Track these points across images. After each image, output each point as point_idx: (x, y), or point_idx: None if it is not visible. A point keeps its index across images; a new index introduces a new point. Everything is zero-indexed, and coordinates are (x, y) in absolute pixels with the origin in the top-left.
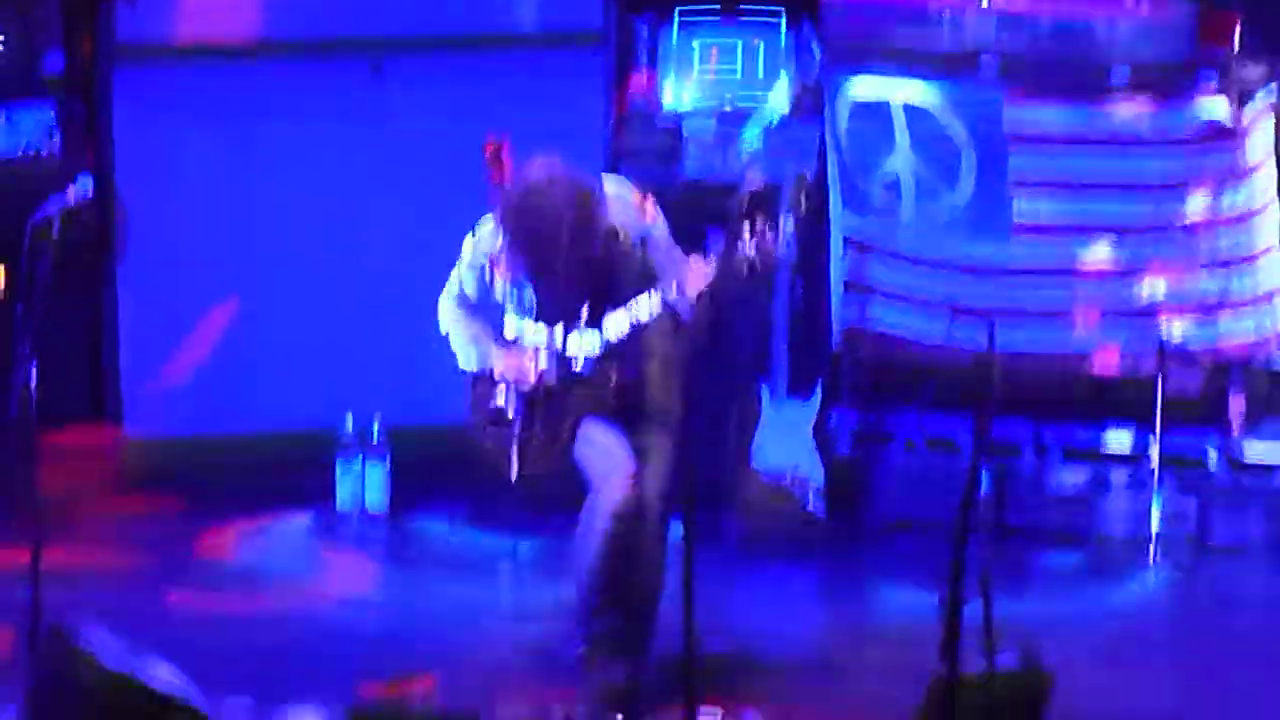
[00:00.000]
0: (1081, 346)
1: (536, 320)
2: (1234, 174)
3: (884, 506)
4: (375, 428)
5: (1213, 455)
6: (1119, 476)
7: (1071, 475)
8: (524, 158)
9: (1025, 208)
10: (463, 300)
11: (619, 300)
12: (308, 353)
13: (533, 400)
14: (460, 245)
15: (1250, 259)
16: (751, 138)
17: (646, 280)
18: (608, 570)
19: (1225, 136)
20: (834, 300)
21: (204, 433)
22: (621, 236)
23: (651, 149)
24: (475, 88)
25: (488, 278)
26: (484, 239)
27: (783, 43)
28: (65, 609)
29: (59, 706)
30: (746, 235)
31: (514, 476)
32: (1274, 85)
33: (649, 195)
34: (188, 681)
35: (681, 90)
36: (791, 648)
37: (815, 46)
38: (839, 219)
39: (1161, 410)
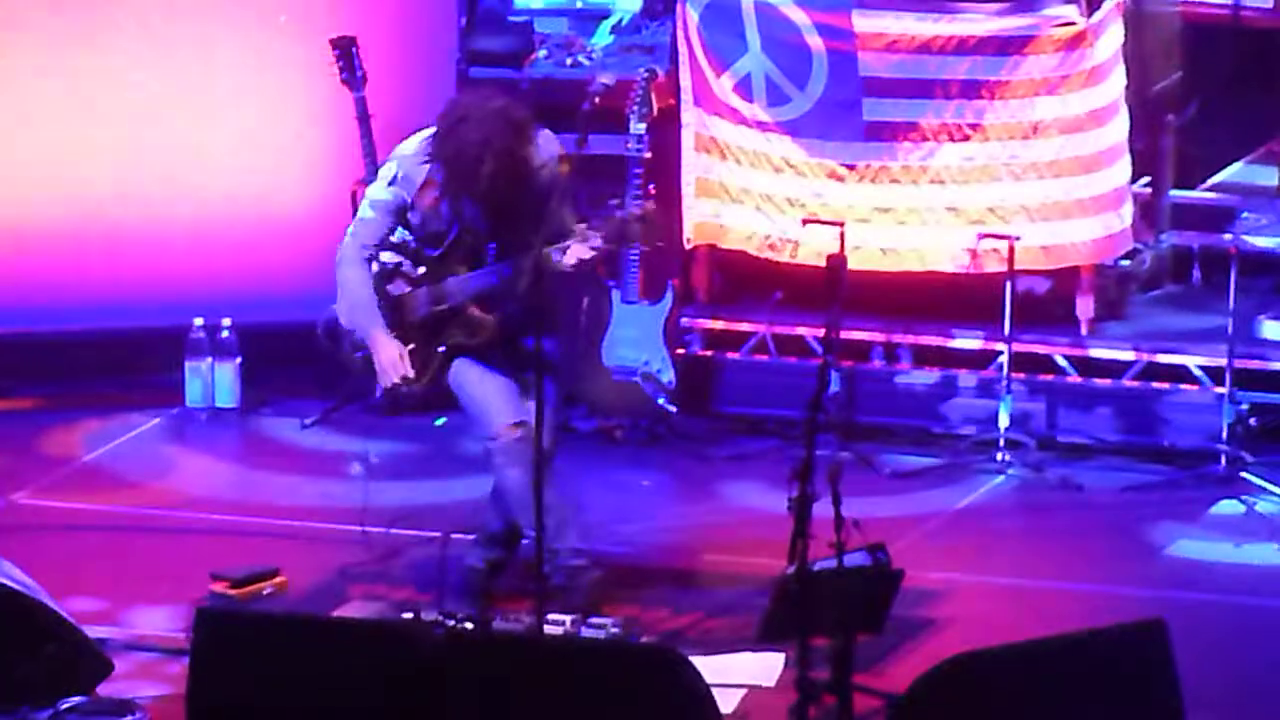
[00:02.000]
0: (931, 247)
1: (440, 258)
2: (1083, 76)
3: (734, 405)
4: (225, 327)
5: (1060, 356)
6: (968, 378)
7: (921, 375)
8: (374, 57)
9: (876, 107)
10: (361, 253)
11: (523, 237)
12: (155, 252)
13: (408, 324)
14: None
15: (1099, 160)
16: (602, 36)
17: (546, 228)
18: (506, 505)
19: (1074, 39)
20: (685, 200)
21: (53, 330)
22: (544, 176)
23: (502, 48)
24: None
25: (397, 217)
26: (403, 173)
27: None
28: None
29: None
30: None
31: (379, 391)
32: None
33: (568, 154)
34: (36, 581)
35: None
36: (641, 549)
37: None
38: (690, 119)
39: (1010, 311)
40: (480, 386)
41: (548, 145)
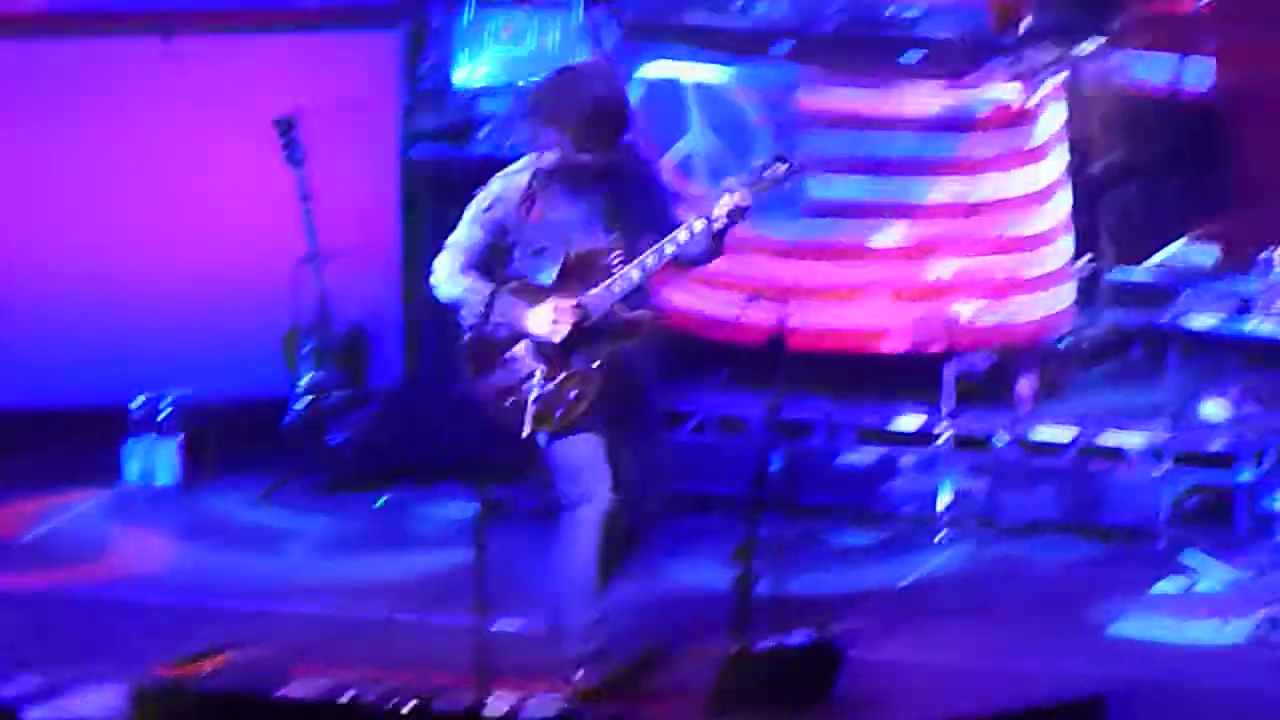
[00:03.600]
0: (874, 326)
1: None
2: (1024, 155)
3: (679, 484)
4: (166, 404)
5: (1001, 435)
6: (909, 457)
7: (863, 454)
8: (317, 136)
9: (819, 186)
10: (456, 260)
11: (641, 228)
12: (98, 329)
13: (550, 356)
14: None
15: (1040, 239)
16: None
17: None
18: (591, 582)
19: (1015, 119)
20: None
21: None
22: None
23: (445, 127)
24: (268, 67)
25: (492, 232)
26: (500, 187)
27: (577, 21)
28: None
29: None
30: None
31: (526, 431)
32: (1063, 68)
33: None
34: None
35: (476, 68)
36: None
37: (609, 26)
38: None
39: (951, 390)
40: (588, 441)
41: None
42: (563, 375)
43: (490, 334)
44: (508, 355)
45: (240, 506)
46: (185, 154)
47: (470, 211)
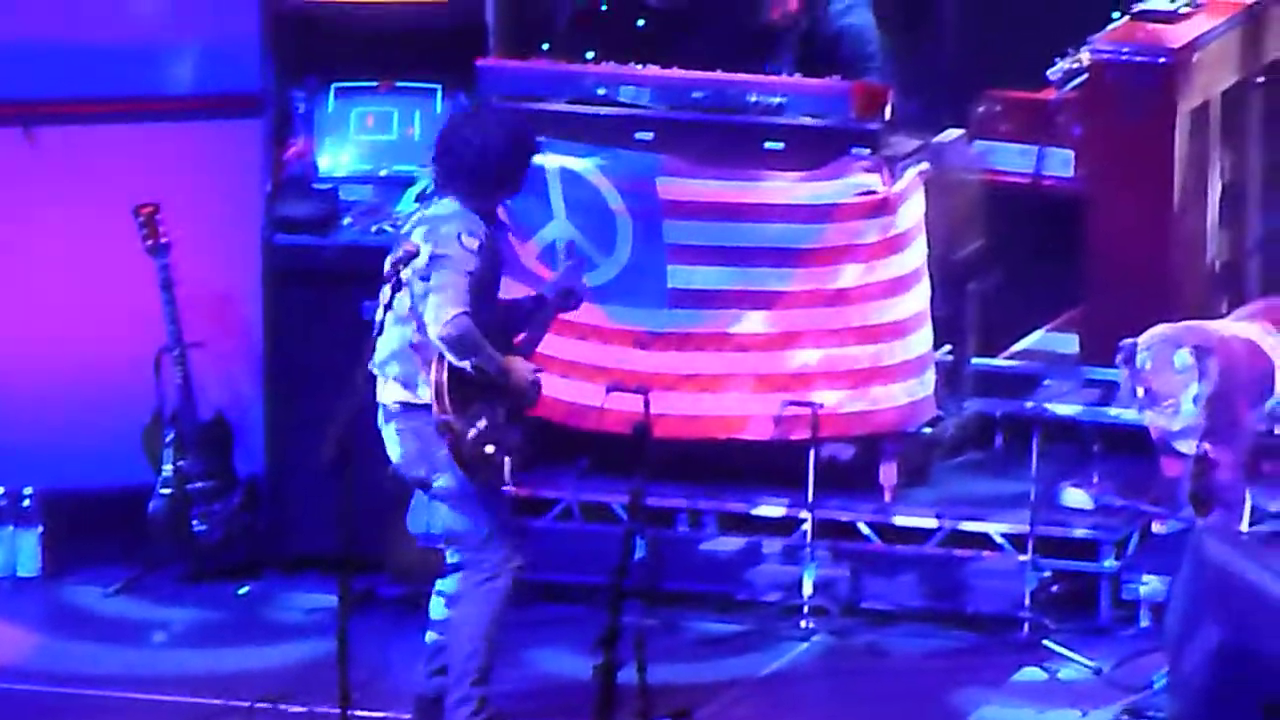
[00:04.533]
0: (737, 415)
1: None
2: (886, 244)
3: (539, 571)
4: (26, 494)
5: (864, 523)
6: (772, 544)
7: (725, 542)
8: (179, 225)
9: (680, 274)
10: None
11: None
12: None
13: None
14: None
15: (902, 327)
16: (407, 204)
17: None
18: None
19: (877, 207)
20: None
21: None
22: None
23: (308, 215)
24: (130, 155)
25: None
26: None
27: (439, 109)
28: None
29: None
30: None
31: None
32: (924, 158)
33: None
34: None
35: (338, 156)
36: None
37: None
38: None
39: (814, 478)
40: (504, 506)
41: None
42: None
43: (466, 377)
44: (478, 400)
45: (103, 597)
46: (46, 243)
47: (462, 265)
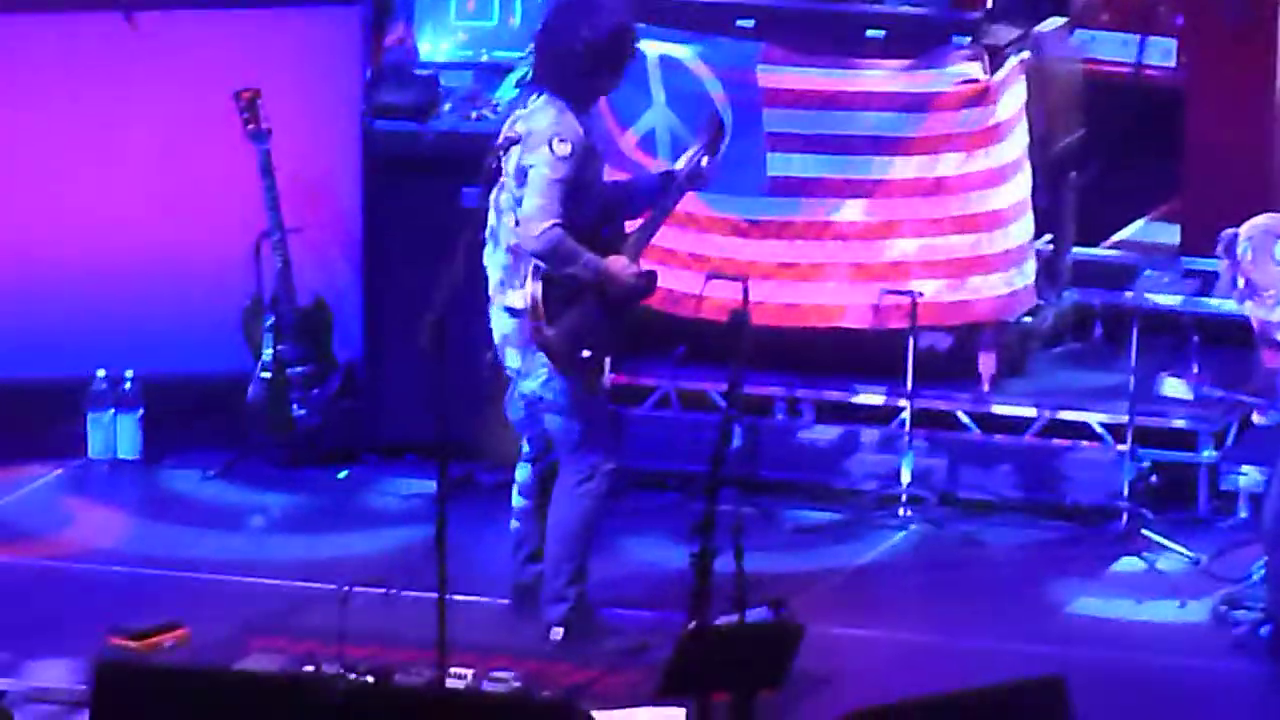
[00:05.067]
0: (834, 304)
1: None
2: (985, 133)
3: (636, 459)
4: (127, 378)
5: (962, 412)
6: (870, 433)
7: (823, 431)
8: (279, 111)
9: (779, 163)
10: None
11: None
12: (59, 302)
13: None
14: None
15: (1001, 217)
16: (507, 90)
17: None
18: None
19: (977, 96)
20: None
21: None
22: None
23: (407, 101)
24: (231, 40)
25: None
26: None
27: None
28: None
29: None
30: None
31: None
32: (1024, 47)
33: None
34: None
35: (438, 42)
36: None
37: None
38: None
39: (912, 367)
40: (600, 408)
41: None
42: (599, 327)
43: (563, 283)
44: (575, 304)
45: (201, 481)
46: (147, 130)
47: (552, 174)
